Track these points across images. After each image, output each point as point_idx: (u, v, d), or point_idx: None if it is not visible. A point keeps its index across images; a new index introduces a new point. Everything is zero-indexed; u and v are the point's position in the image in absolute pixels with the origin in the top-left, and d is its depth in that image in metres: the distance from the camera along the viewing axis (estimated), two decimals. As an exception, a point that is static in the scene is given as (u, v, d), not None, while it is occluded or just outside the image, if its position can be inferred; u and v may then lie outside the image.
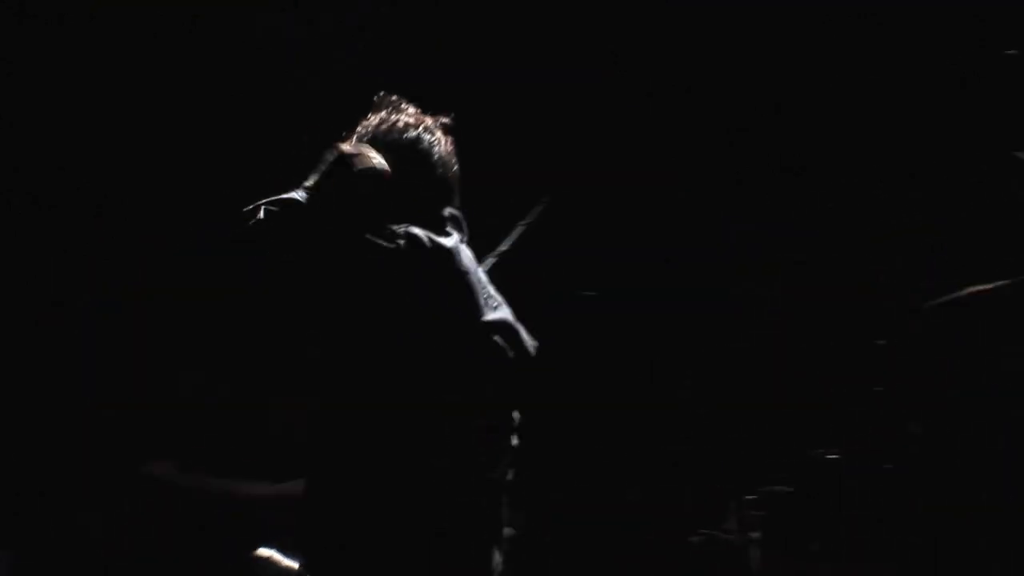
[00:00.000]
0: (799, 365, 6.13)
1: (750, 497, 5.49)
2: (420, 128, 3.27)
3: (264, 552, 3.54)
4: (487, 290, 3.17)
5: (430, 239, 3.06)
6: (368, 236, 3.01)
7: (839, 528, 5.53)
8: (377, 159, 3.15)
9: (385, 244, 3.00)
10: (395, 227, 3.03)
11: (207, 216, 5.80)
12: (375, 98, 3.33)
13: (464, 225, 3.25)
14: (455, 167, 3.30)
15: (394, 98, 3.33)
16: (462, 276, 3.10)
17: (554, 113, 6.03)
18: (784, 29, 6.13)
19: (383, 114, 3.29)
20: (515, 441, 3.19)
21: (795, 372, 6.12)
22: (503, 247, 4.41)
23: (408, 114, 3.30)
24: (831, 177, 6.18)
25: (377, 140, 3.24)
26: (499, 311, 3.16)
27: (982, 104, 6.03)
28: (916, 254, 6.09)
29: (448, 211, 3.24)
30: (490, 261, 4.21)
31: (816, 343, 6.16)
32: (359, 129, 3.29)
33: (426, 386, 3.03)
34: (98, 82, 5.84)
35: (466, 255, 3.15)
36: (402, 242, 3.02)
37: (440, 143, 3.28)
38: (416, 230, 3.05)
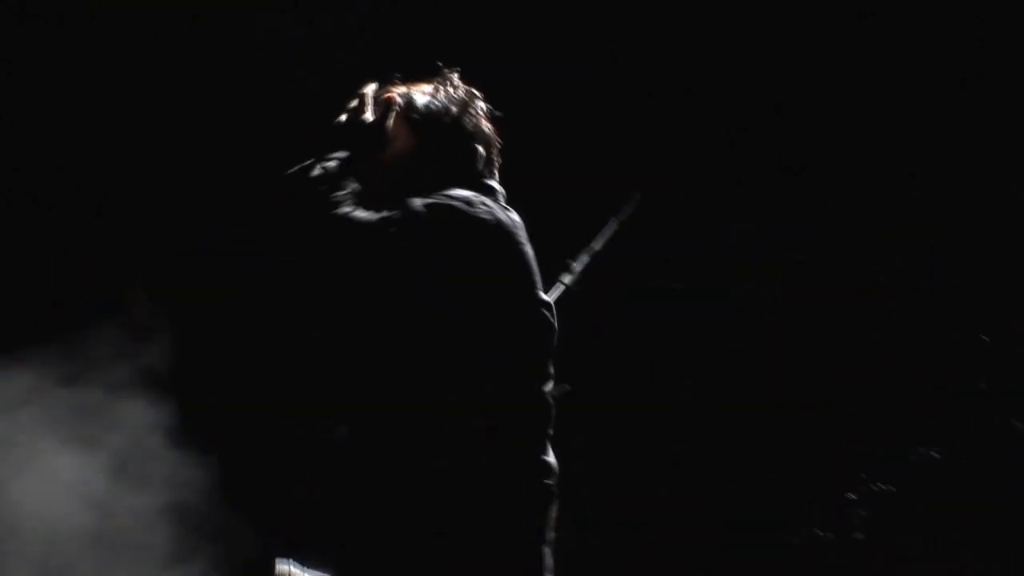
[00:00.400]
0: (799, 365, 6.13)
1: (851, 496, 5.45)
2: (463, 102, 3.26)
3: (283, 567, 3.51)
4: None
5: (504, 209, 3.05)
6: (451, 199, 2.98)
7: (942, 526, 5.50)
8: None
9: (468, 209, 2.98)
10: (470, 194, 3.00)
11: (207, 216, 5.82)
12: (436, 66, 3.31)
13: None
14: (497, 144, 3.29)
15: (448, 71, 3.31)
16: (527, 248, 3.09)
17: (554, 113, 6.03)
18: (784, 29, 6.13)
19: (433, 84, 3.28)
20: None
21: (795, 372, 6.12)
22: (596, 245, 4.34)
23: (455, 88, 3.28)
24: (831, 177, 6.18)
25: (423, 110, 3.23)
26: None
27: (982, 104, 6.03)
28: (916, 254, 6.09)
29: (496, 186, 3.23)
30: (584, 259, 4.15)
31: (816, 343, 6.16)
32: (413, 94, 3.26)
33: (481, 366, 3.00)
34: (98, 82, 5.83)
35: None
36: (485, 210, 2.99)
37: (484, 118, 3.28)
38: (489, 200, 3.03)
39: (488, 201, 3.03)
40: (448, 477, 2.99)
